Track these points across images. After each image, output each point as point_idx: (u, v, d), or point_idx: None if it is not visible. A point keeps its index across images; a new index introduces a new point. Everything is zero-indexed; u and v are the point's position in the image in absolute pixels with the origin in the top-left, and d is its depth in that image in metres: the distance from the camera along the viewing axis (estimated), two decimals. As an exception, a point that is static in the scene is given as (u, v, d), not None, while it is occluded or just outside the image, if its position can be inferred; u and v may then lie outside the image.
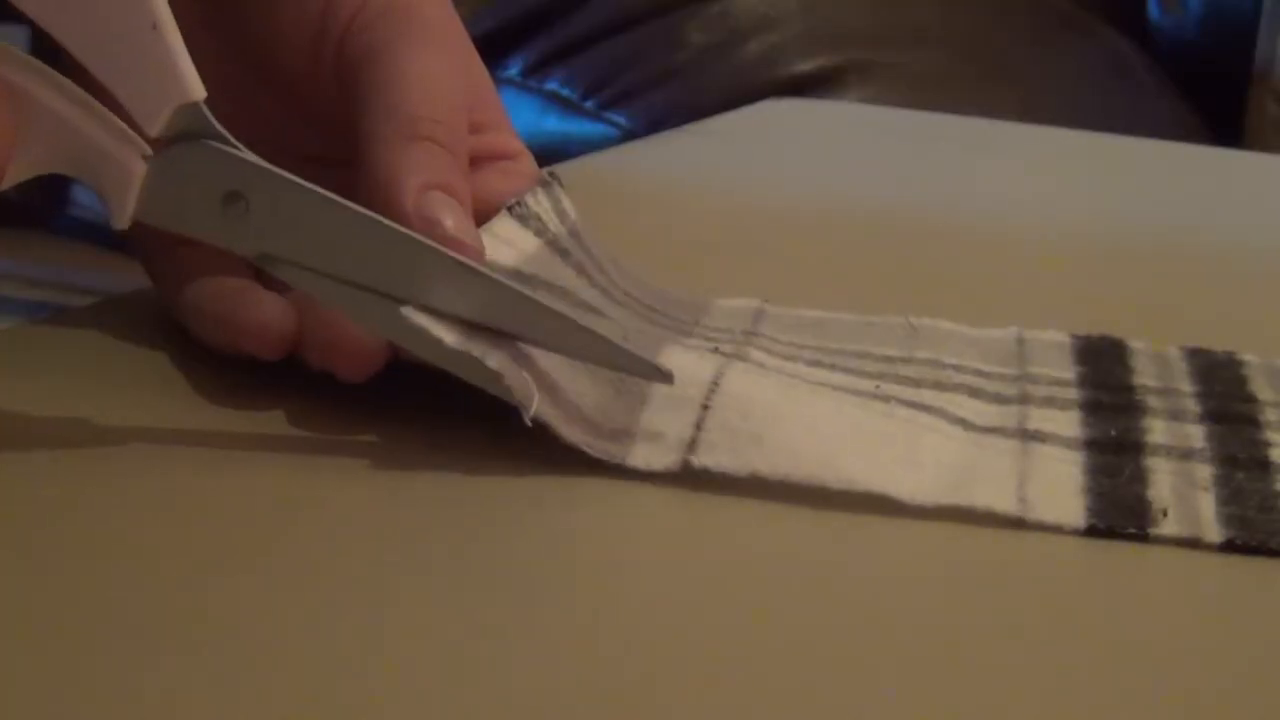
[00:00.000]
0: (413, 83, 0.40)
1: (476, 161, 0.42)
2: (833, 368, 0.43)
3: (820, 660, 0.30)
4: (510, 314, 0.36)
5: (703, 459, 0.36)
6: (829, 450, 0.37)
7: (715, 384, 0.38)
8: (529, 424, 0.36)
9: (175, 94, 0.34)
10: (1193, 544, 0.35)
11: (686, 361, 0.39)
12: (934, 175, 0.77)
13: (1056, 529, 0.36)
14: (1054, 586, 0.34)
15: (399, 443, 0.38)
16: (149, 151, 0.35)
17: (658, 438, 0.37)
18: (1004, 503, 0.36)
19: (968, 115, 0.94)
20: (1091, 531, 0.36)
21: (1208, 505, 0.37)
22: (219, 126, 0.35)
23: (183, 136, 0.35)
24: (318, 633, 0.29)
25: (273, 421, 0.38)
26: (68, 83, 0.35)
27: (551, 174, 0.44)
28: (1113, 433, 0.40)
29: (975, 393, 0.42)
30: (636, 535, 0.35)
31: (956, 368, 0.44)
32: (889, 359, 0.44)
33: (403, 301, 0.36)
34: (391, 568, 0.32)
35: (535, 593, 0.32)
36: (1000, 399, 0.42)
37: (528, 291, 0.37)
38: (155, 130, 0.35)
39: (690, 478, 0.36)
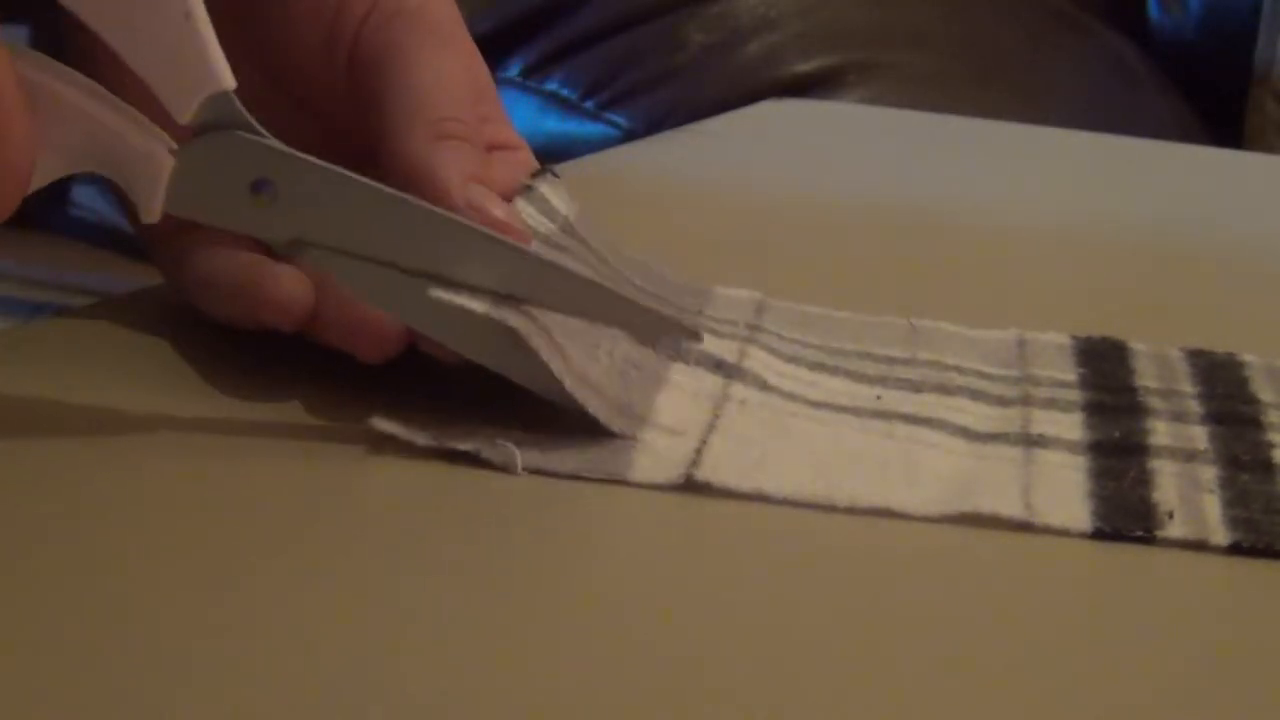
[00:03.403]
0: (430, 83, 0.41)
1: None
2: (835, 370, 0.43)
3: (824, 663, 0.30)
4: (541, 283, 0.37)
5: (705, 474, 0.36)
6: (830, 475, 0.37)
7: (713, 424, 0.38)
8: (558, 384, 0.36)
9: (206, 83, 0.35)
10: (1199, 546, 0.35)
11: (683, 398, 0.39)
12: (934, 175, 0.76)
13: (1063, 533, 0.36)
14: (1060, 589, 0.34)
15: (400, 444, 0.38)
16: (174, 145, 0.35)
17: (661, 450, 0.37)
18: (1009, 508, 0.36)
19: (968, 115, 0.94)
20: (1098, 535, 0.36)
21: (1213, 508, 0.37)
22: (248, 115, 0.35)
23: (212, 125, 0.35)
24: (322, 632, 0.29)
25: (274, 421, 0.38)
26: (89, 80, 0.35)
27: (547, 169, 0.44)
28: (1116, 435, 0.40)
29: (977, 395, 0.42)
30: (644, 531, 0.35)
31: (959, 369, 0.44)
32: (891, 360, 0.44)
33: (432, 277, 0.36)
34: (396, 567, 0.32)
35: (543, 588, 0.32)
36: (1003, 401, 0.42)
37: (559, 259, 0.37)
38: (185, 119, 0.35)
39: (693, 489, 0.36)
